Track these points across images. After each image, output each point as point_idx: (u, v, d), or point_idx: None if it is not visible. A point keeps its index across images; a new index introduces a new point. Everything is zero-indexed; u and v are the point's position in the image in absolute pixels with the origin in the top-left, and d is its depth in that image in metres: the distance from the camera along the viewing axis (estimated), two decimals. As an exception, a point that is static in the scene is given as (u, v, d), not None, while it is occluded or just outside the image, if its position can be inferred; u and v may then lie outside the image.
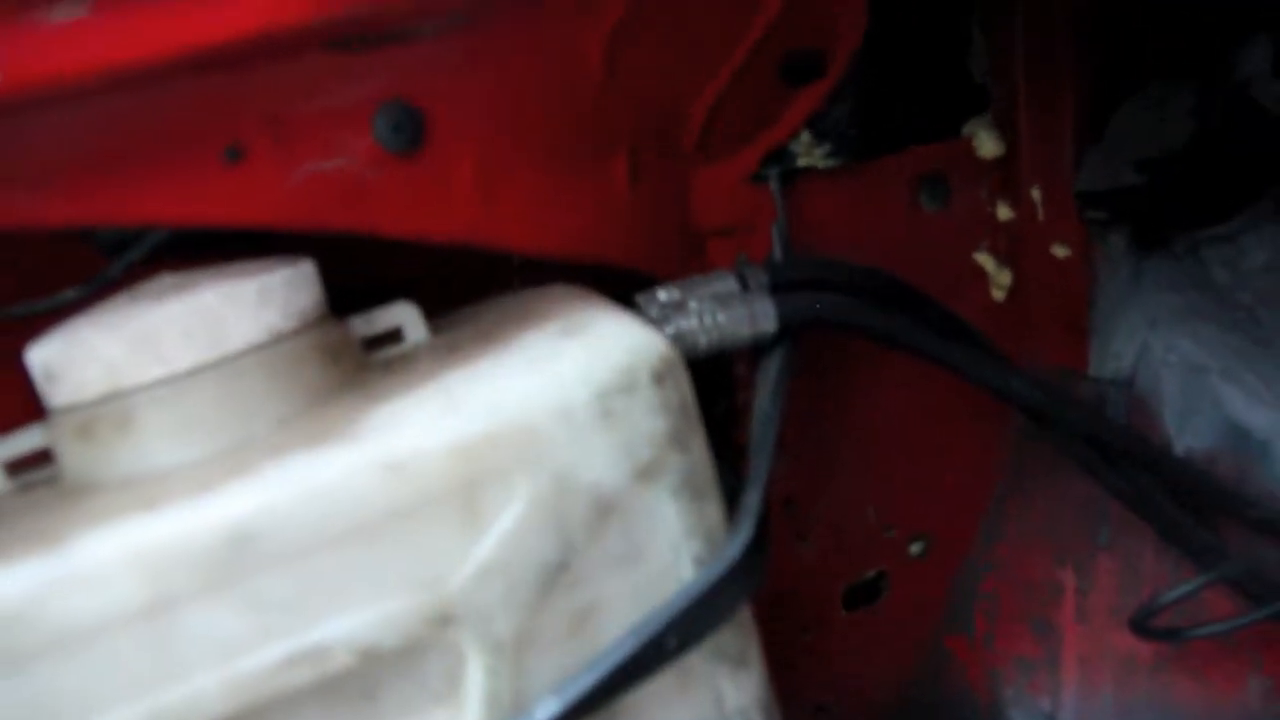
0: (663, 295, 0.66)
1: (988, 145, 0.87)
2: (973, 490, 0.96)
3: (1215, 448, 0.88)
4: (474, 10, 0.58)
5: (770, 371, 0.66)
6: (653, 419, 0.51)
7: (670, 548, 0.52)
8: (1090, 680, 0.92)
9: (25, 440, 0.56)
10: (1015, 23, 0.85)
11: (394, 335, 0.61)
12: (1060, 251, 0.90)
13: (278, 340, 0.54)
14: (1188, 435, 0.89)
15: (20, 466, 0.57)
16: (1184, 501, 0.84)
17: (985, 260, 0.90)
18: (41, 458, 0.56)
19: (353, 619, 0.47)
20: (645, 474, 0.51)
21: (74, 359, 0.52)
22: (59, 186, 0.54)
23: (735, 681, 0.55)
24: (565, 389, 0.50)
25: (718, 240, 0.77)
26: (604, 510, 0.50)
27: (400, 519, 0.47)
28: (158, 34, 0.46)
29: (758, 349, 0.68)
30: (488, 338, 0.58)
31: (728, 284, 0.69)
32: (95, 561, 0.44)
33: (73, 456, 0.53)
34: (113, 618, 0.44)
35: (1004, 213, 0.90)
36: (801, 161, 0.78)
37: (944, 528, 0.96)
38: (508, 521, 0.48)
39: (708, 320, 0.64)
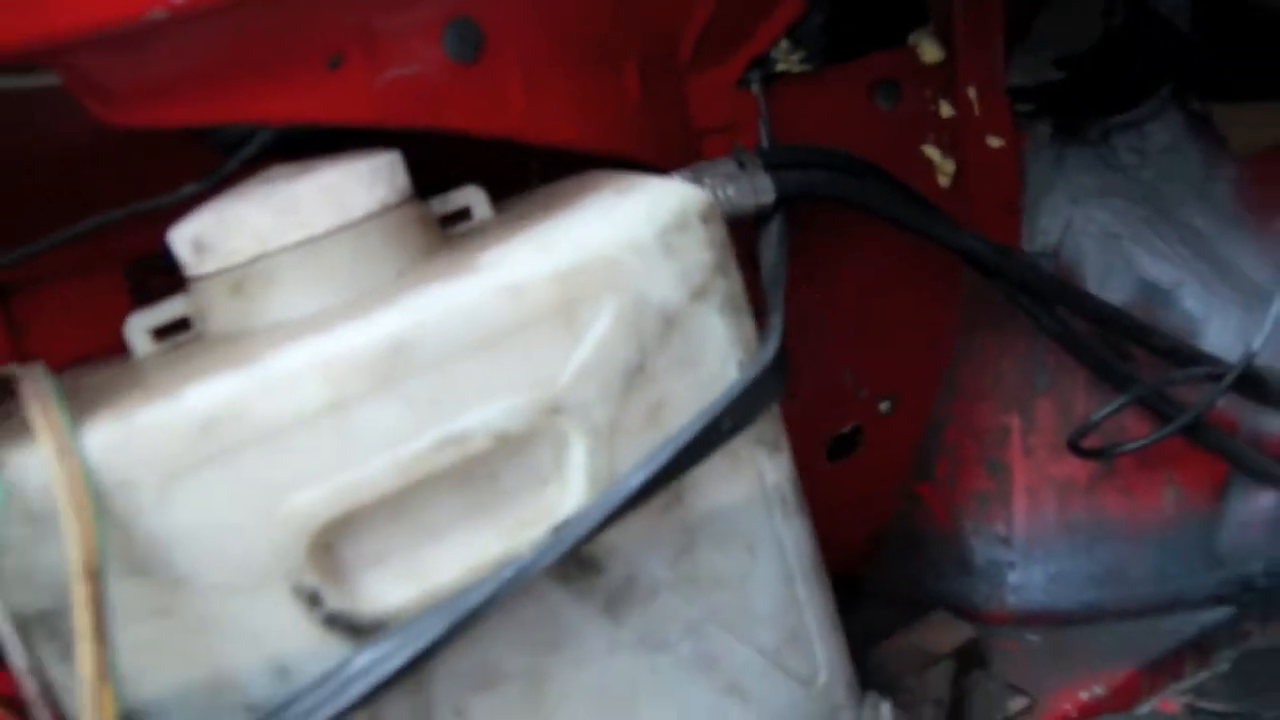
0: (680, 177, 0.79)
1: (930, 52, 1.02)
2: (932, 356, 1.12)
3: (1130, 301, 1.05)
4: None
5: (773, 234, 0.80)
6: (702, 251, 0.65)
7: (719, 354, 0.66)
8: (1036, 505, 1.09)
9: (168, 309, 0.67)
10: None
11: (463, 214, 0.74)
12: (994, 142, 1.05)
13: (385, 210, 0.66)
14: (1107, 292, 1.06)
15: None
16: (1105, 338, 1.00)
17: (932, 152, 1.05)
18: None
19: (486, 410, 0.60)
20: (699, 294, 0.65)
21: (226, 230, 0.63)
22: (192, 90, 0.65)
23: (773, 461, 0.69)
24: (635, 229, 0.63)
25: (713, 137, 0.91)
26: (669, 323, 0.64)
27: (519, 331, 0.60)
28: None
29: (758, 218, 0.82)
30: (548, 209, 0.71)
31: (730, 167, 0.82)
32: (286, 371, 0.57)
33: (223, 313, 0.64)
34: (302, 415, 0.57)
35: (945, 110, 1.05)
36: (780, 67, 0.91)
37: (909, 388, 1.11)
38: (598, 332, 0.62)
39: (720, 194, 0.78)
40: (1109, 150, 1.09)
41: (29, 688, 0.53)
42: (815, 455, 1.06)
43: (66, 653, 0.53)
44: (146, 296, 0.75)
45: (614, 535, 0.64)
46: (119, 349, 0.68)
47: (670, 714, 0.70)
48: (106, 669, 0.50)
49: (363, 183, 0.65)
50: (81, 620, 0.50)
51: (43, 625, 0.53)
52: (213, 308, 0.65)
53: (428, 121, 0.72)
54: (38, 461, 0.52)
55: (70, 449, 0.52)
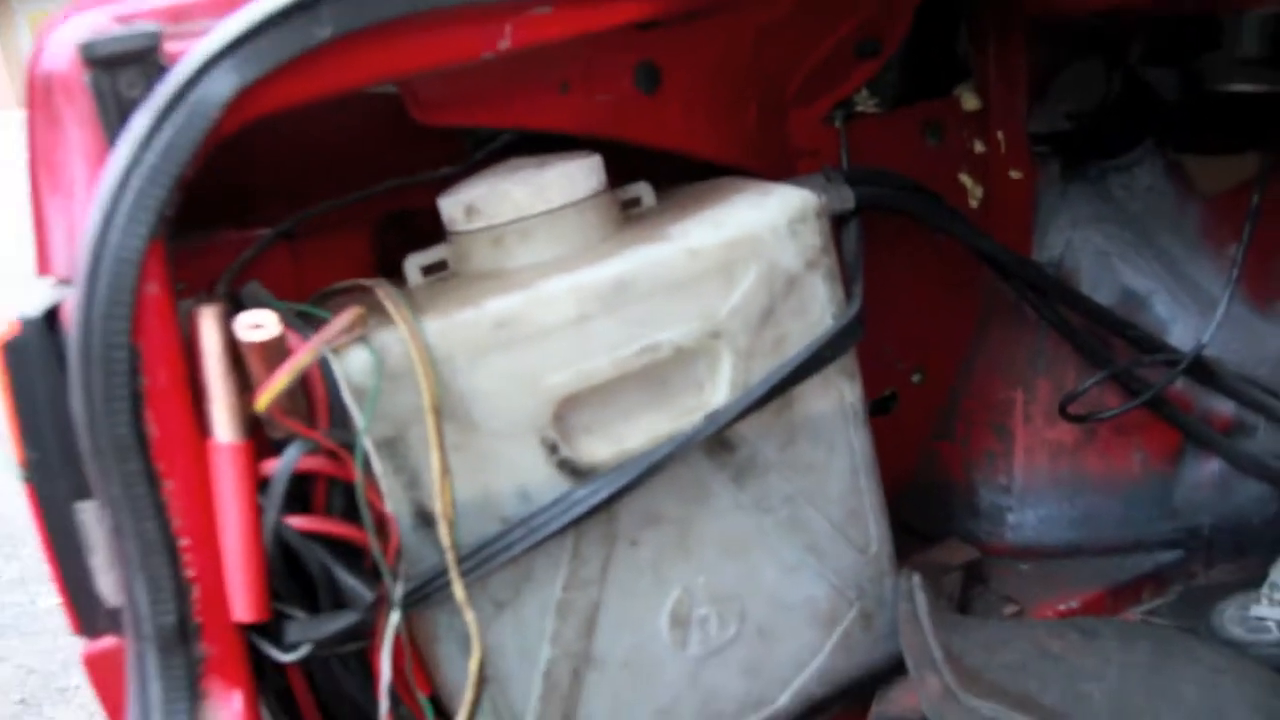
0: (794, 185, 1.08)
1: (970, 102, 1.31)
2: (955, 339, 1.41)
3: (1113, 303, 1.34)
4: (694, 10, 0.99)
5: (853, 230, 1.09)
6: (815, 236, 0.94)
7: (821, 307, 0.96)
8: (1032, 462, 1.38)
9: (435, 253, 0.96)
10: (987, 23, 1.29)
11: (634, 202, 1.03)
12: (1015, 175, 1.35)
13: (595, 194, 0.95)
14: (1096, 295, 1.35)
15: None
16: (1093, 331, 1.29)
17: (966, 179, 1.35)
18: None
19: (671, 331, 0.89)
20: (811, 265, 0.94)
21: (494, 199, 0.92)
22: (475, 102, 0.94)
23: (851, 386, 0.99)
24: (774, 218, 0.93)
25: (805, 158, 1.20)
26: (791, 283, 0.93)
27: (695, 280, 0.89)
28: (573, 22, 0.86)
29: (841, 219, 1.11)
30: (702, 201, 1.00)
31: (821, 180, 1.11)
32: (550, 293, 0.86)
33: (482, 258, 0.94)
34: (557, 323, 0.86)
35: (979, 147, 1.34)
36: (858, 108, 1.21)
37: (936, 364, 1.40)
38: (745, 285, 0.91)
39: (821, 199, 1.07)
40: (1104, 186, 1.38)
41: (373, 501, 0.81)
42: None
43: (399, 465, 0.82)
44: (383, 247, 1.05)
45: (744, 426, 0.93)
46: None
47: (768, 561, 0.99)
48: (446, 467, 0.79)
49: (584, 174, 0.94)
50: (431, 437, 0.79)
51: (387, 448, 0.82)
52: (473, 254, 0.94)
53: (618, 134, 1.02)
54: (395, 339, 0.81)
55: (418, 331, 0.82)
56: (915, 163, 1.28)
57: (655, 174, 1.07)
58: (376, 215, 1.07)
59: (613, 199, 0.99)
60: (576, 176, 0.93)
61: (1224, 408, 1.33)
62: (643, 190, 1.03)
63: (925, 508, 1.42)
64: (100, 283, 0.69)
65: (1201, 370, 1.28)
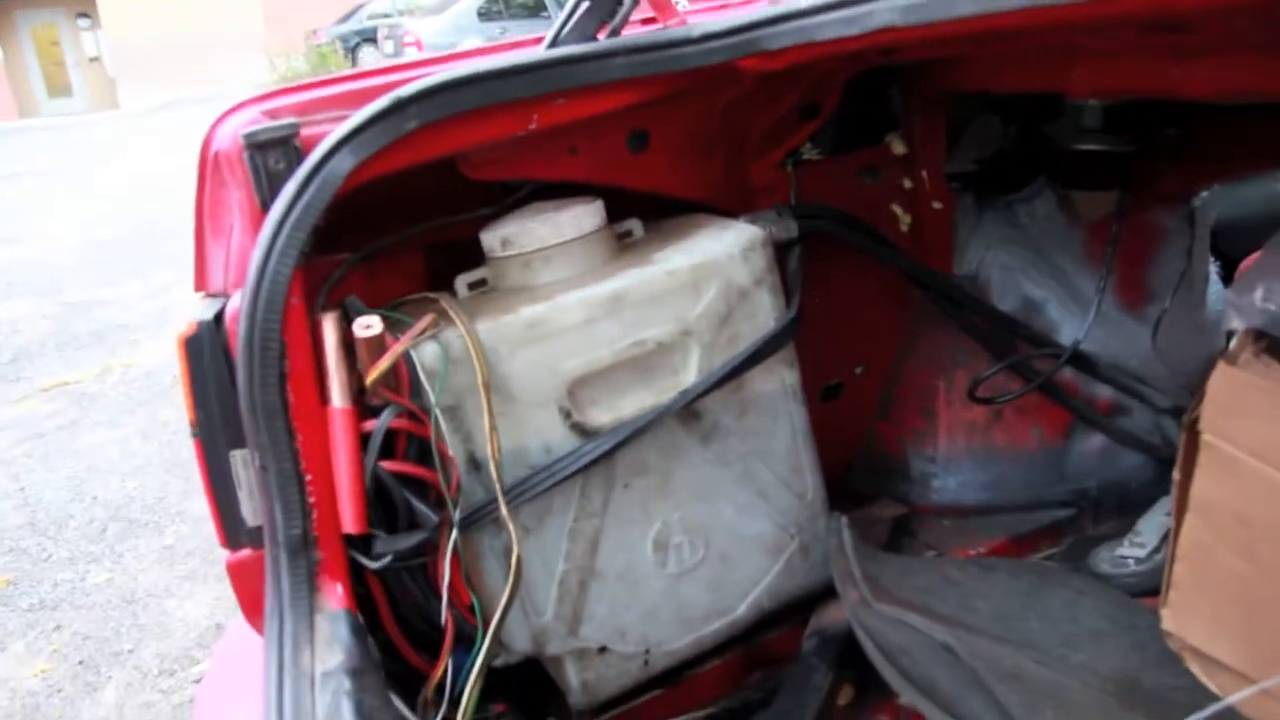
0: (747, 220, 1.41)
1: (898, 147, 1.64)
2: (891, 338, 1.74)
3: (1016, 309, 1.67)
4: (673, 94, 1.31)
5: (795, 254, 1.42)
6: (761, 260, 1.27)
7: (765, 313, 1.29)
8: (953, 438, 1.70)
9: (478, 274, 1.29)
10: (912, 91, 1.62)
11: (627, 233, 1.36)
12: (937, 205, 1.67)
13: (598, 229, 1.28)
14: (1003, 304, 1.67)
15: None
16: (999, 333, 1.62)
17: (897, 209, 1.67)
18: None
19: (655, 330, 1.22)
20: (758, 282, 1.27)
21: (523, 233, 1.25)
22: (506, 161, 1.27)
23: (790, 371, 1.32)
24: (729, 247, 1.26)
25: (762, 195, 1.52)
26: (743, 295, 1.26)
27: (671, 293, 1.22)
28: (582, 108, 1.19)
29: (788, 245, 1.43)
30: (678, 233, 1.33)
31: (772, 215, 1.44)
32: (567, 303, 1.19)
33: (514, 277, 1.27)
34: (571, 324, 1.19)
35: (907, 184, 1.67)
36: (805, 156, 1.54)
37: (875, 358, 1.73)
38: (709, 297, 1.24)
39: (769, 230, 1.40)
40: (1010, 214, 1.71)
41: (441, 449, 1.14)
42: (813, 397, 1.68)
43: (457, 426, 1.15)
44: (434, 269, 1.38)
45: (708, 400, 1.26)
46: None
47: (728, 503, 1.32)
48: (495, 424, 1.12)
49: (589, 214, 1.27)
50: (484, 405, 1.12)
51: (449, 413, 1.15)
52: (507, 274, 1.27)
53: (614, 182, 1.35)
54: (456, 335, 1.14)
55: (473, 331, 1.15)
56: (855, 198, 1.61)
57: (644, 210, 1.40)
58: (428, 244, 1.40)
59: (611, 232, 1.32)
60: (584, 216, 1.26)
61: (1104, 392, 1.65)
62: (634, 225, 1.36)
63: (868, 476, 1.75)
64: (262, 296, 1.02)
65: (1083, 361, 1.61)
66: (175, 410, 4.58)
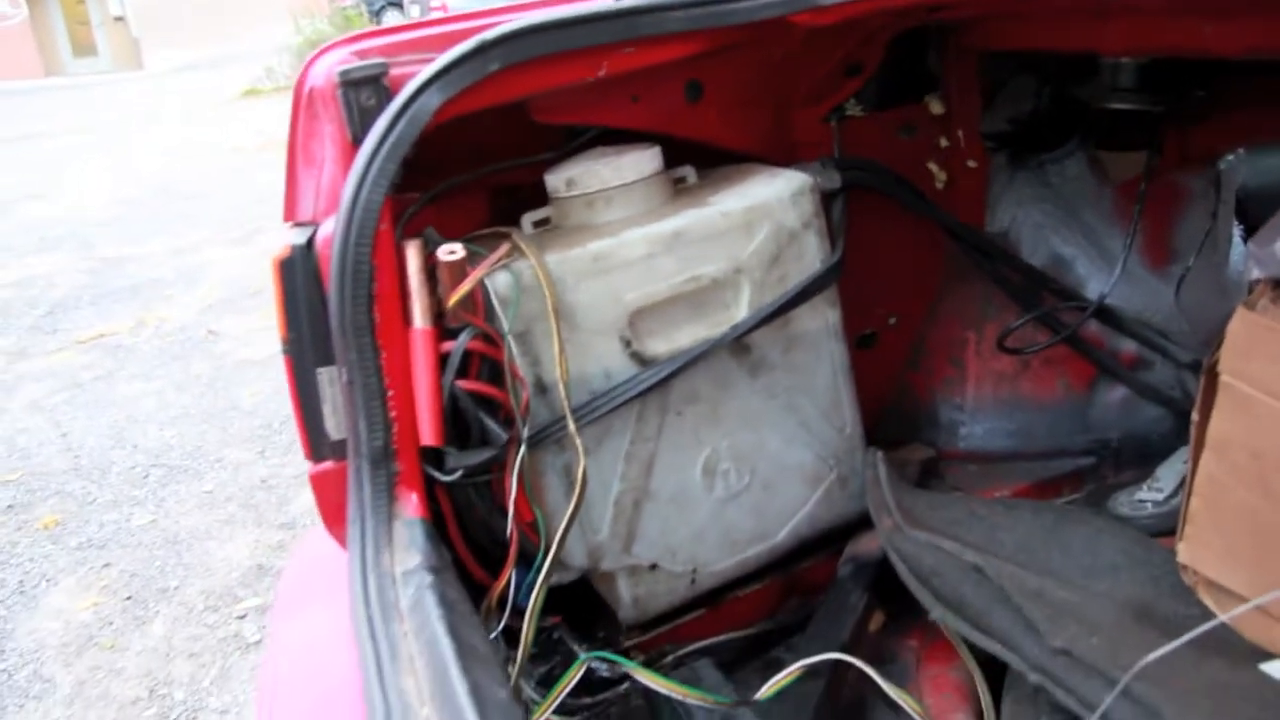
0: (797, 170, 1.49)
1: (936, 107, 1.71)
2: (924, 291, 1.82)
3: (1045, 264, 1.74)
4: (727, 47, 1.38)
5: (840, 204, 1.50)
6: (809, 205, 1.35)
7: (812, 255, 1.37)
8: (981, 387, 1.78)
9: (542, 213, 1.37)
10: (949, 52, 1.68)
11: (682, 179, 1.44)
12: (971, 164, 1.75)
13: (656, 174, 1.36)
14: (1033, 259, 1.75)
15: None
16: (1029, 286, 1.69)
17: (933, 167, 1.75)
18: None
19: (710, 267, 1.31)
20: (806, 226, 1.36)
21: (587, 175, 1.33)
22: (569, 105, 1.35)
23: (832, 310, 1.41)
24: (780, 191, 1.34)
25: (806, 148, 1.60)
26: (792, 236, 1.35)
27: (726, 233, 1.31)
28: (646, 57, 1.27)
29: (831, 195, 1.51)
30: (730, 179, 1.41)
31: (817, 166, 1.52)
32: (630, 239, 1.27)
33: (577, 216, 1.35)
34: (634, 258, 1.27)
35: (943, 142, 1.74)
36: (848, 111, 1.61)
37: (908, 310, 1.81)
38: (760, 238, 1.33)
39: (815, 180, 1.48)
40: (1041, 174, 1.78)
41: (514, 370, 1.23)
42: (850, 345, 1.76)
43: (526, 349, 1.24)
44: (496, 210, 1.46)
45: (757, 335, 1.35)
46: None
47: (772, 433, 1.41)
48: (564, 346, 1.21)
49: (649, 159, 1.35)
50: (552, 330, 1.21)
51: (519, 338, 1.24)
52: (570, 214, 1.36)
53: (671, 131, 1.43)
54: (527, 266, 1.23)
55: (543, 262, 1.23)
56: (893, 154, 1.68)
57: (697, 159, 1.48)
58: (491, 186, 1.48)
59: (668, 177, 1.40)
60: (644, 160, 1.35)
61: (1128, 346, 1.73)
62: (688, 171, 1.44)
63: (898, 423, 1.83)
64: (355, 222, 1.11)
65: (1108, 316, 1.68)
66: (208, 364, 4.70)
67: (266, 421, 4.03)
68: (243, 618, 2.86)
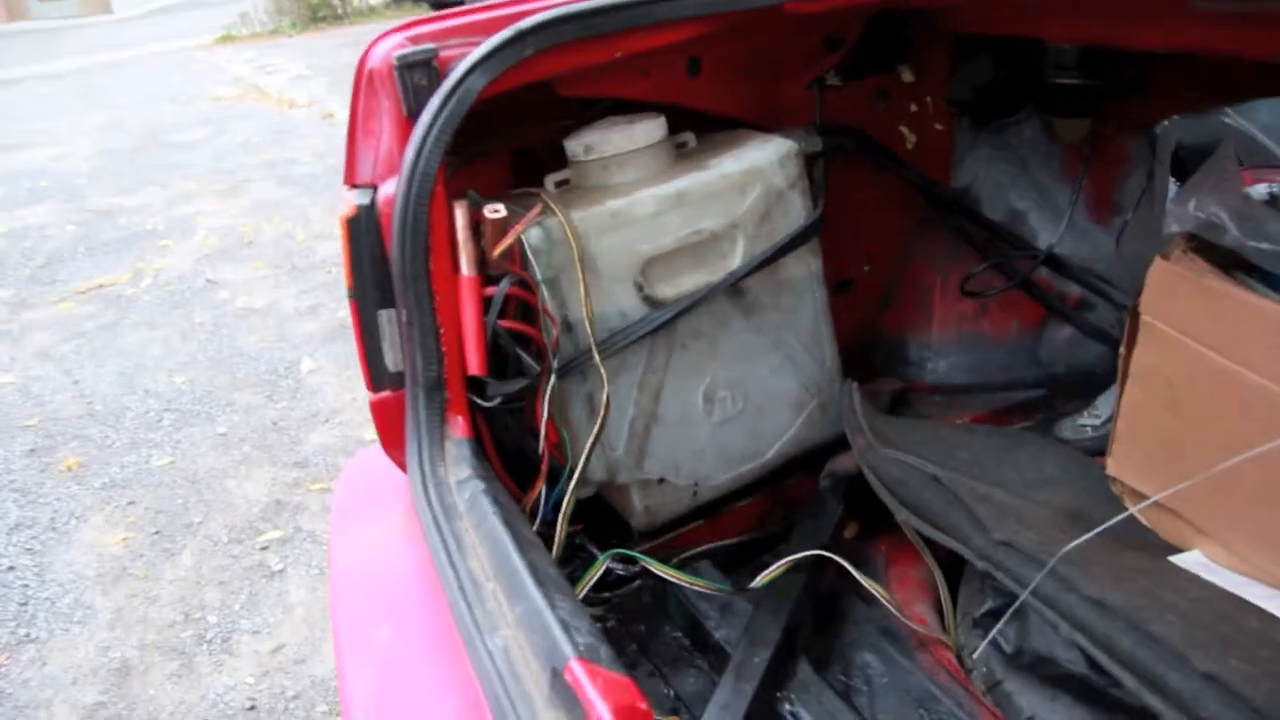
0: (783, 135, 1.69)
1: (907, 76, 1.92)
2: (895, 240, 2.04)
3: (1003, 217, 1.96)
4: (725, 30, 1.58)
5: (820, 166, 1.71)
6: (794, 167, 1.56)
7: (797, 211, 1.58)
8: (945, 327, 2.01)
9: (562, 174, 1.58)
10: (921, 29, 1.88)
11: (683, 144, 1.64)
12: (938, 127, 1.96)
13: (662, 140, 1.57)
14: (992, 213, 1.96)
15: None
16: (988, 237, 1.92)
17: (904, 129, 1.95)
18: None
19: (709, 222, 1.52)
20: (791, 185, 1.56)
21: (603, 141, 1.53)
22: (600, 81, 1.55)
23: (815, 259, 1.62)
24: (770, 155, 1.54)
25: (791, 115, 1.80)
26: (780, 195, 1.56)
27: (723, 192, 1.51)
28: (656, 39, 1.46)
29: (813, 157, 1.72)
30: (728, 143, 1.61)
31: (800, 131, 1.72)
32: (641, 197, 1.48)
33: (594, 178, 1.55)
34: (645, 214, 1.48)
35: (914, 107, 1.95)
36: (829, 81, 1.81)
37: (880, 258, 2.03)
38: (752, 197, 1.53)
39: (799, 144, 1.68)
40: (1000, 137, 1.99)
41: (546, 311, 1.43)
42: (830, 289, 1.98)
43: (555, 293, 1.44)
44: (519, 170, 1.66)
45: (750, 281, 1.56)
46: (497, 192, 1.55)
47: (763, 365, 1.63)
48: (589, 290, 1.42)
49: (656, 126, 1.55)
50: (579, 276, 1.42)
51: (550, 285, 1.44)
52: (588, 175, 1.56)
53: (675, 101, 1.63)
54: (556, 222, 1.43)
55: (569, 217, 1.44)
56: (869, 118, 1.89)
57: (696, 125, 1.68)
58: (513, 150, 1.67)
59: (672, 142, 1.60)
60: (652, 128, 1.55)
61: (1074, 290, 1.95)
62: (688, 137, 1.64)
63: (872, 359, 2.06)
64: (414, 185, 1.30)
65: (1057, 263, 1.91)
66: (210, 312, 4.87)
67: (272, 367, 4.22)
68: (265, 549, 3.08)
